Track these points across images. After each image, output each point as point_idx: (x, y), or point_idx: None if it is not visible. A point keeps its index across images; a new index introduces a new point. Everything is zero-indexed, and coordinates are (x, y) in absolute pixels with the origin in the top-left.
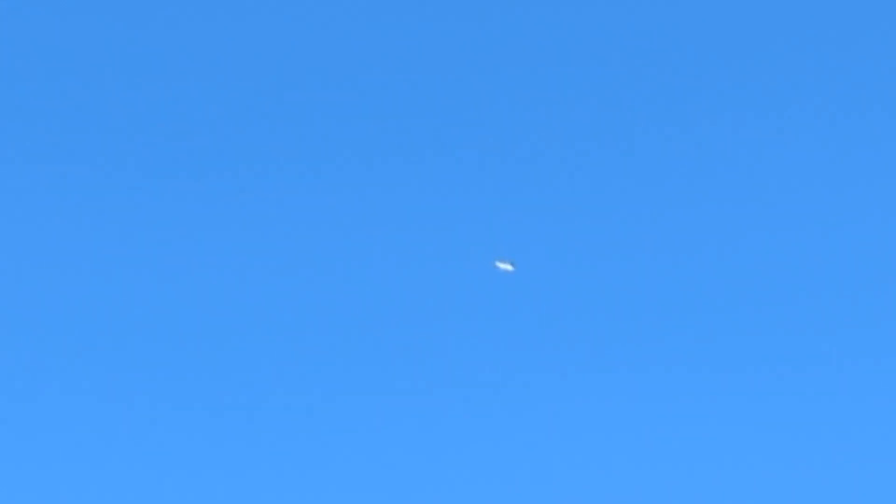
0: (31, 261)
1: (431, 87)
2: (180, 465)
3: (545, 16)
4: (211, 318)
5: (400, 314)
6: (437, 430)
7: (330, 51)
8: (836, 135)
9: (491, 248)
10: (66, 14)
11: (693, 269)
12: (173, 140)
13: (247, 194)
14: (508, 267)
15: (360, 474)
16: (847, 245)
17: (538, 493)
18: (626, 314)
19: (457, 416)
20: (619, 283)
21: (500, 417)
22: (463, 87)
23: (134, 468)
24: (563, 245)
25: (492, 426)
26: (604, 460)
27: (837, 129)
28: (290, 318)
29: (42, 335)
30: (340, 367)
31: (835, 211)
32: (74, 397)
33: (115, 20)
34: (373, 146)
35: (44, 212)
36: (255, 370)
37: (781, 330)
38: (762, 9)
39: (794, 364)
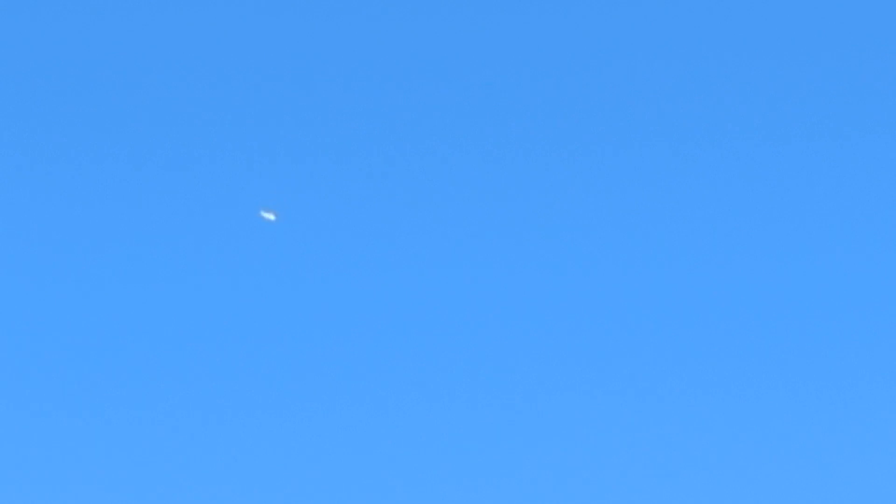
0: (31, 261)
1: (430, 87)
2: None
3: (546, 17)
4: (210, 318)
5: (399, 314)
6: (435, 430)
7: (330, 51)
8: (838, 136)
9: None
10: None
11: (693, 271)
12: (172, 140)
13: (246, 194)
14: (271, 216)
15: (360, 474)
16: (851, 239)
17: (537, 493)
18: (625, 316)
19: (456, 416)
20: (619, 284)
21: (498, 417)
22: (462, 88)
23: (131, 468)
24: (561, 246)
25: (490, 427)
26: (603, 461)
27: (838, 130)
28: (289, 316)
29: (42, 335)
30: (340, 367)
31: (837, 213)
32: (72, 396)
33: (114, 20)
34: (372, 147)
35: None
36: (255, 371)
37: (782, 332)
38: (762, 10)
39: (794, 367)
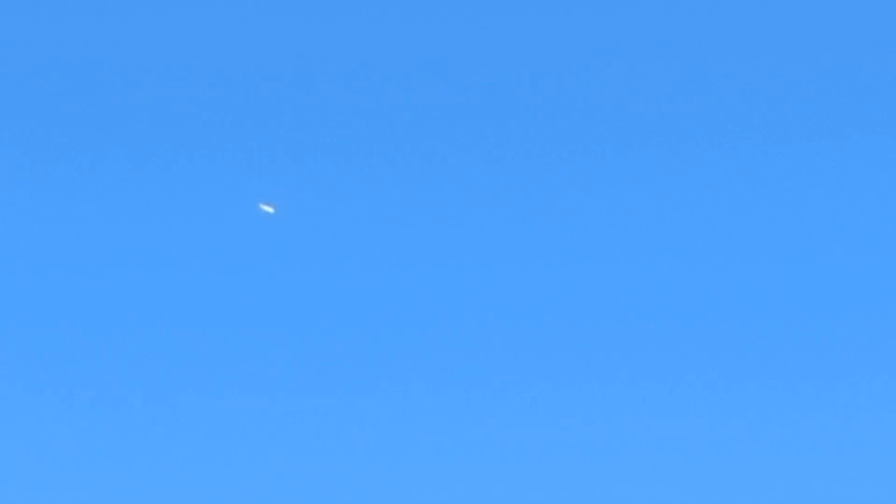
0: (31, 261)
1: (431, 88)
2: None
3: (546, 17)
4: (210, 318)
5: (400, 314)
6: (434, 431)
7: (330, 51)
8: (837, 136)
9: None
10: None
11: (691, 272)
12: (172, 140)
13: (246, 194)
14: (270, 209)
15: (360, 474)
16: (851, 239)
17: (537, 493)
18: (624, 317)
19: (455, 417)
20: (619, 284)
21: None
22: (463, 89)
23: (129, 468)
24: (561, 246)
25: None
26: (603, 461)
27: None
28: (289, 317)
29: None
30: (340, 368)
31: (837, 213)
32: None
33: (114, 20)
34: (372, 147)
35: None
36: (254, 370)
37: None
38: (763, 10)
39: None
